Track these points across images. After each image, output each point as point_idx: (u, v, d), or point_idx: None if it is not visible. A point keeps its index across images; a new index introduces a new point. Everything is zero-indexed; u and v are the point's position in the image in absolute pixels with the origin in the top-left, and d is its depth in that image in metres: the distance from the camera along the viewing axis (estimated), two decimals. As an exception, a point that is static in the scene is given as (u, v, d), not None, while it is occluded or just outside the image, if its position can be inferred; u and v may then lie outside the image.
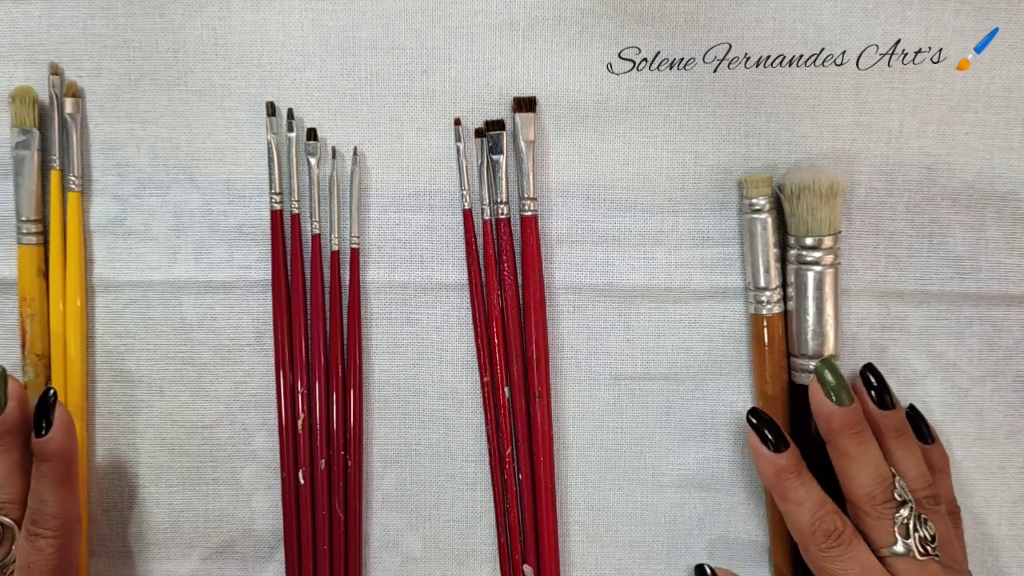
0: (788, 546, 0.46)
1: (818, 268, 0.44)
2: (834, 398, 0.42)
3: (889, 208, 0.47)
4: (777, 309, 0.46)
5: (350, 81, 0.47)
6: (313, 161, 0.46)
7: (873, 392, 0.44)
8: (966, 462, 0.48)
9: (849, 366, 0.47)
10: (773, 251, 0.45)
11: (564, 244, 0.47)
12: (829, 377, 0.43)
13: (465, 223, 0.47)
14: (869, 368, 0.45)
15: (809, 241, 0.44)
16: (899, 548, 0.40)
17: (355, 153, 0.46)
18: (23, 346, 0.46)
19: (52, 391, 0.42)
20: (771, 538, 0.47)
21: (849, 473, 0.42)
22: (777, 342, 0.46)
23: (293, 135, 0.46)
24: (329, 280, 0.47)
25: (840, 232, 0.46)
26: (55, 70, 0.46)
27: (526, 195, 0.46)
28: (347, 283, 0.47)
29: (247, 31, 0.47)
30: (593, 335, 0.47)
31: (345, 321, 0.47)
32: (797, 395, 0.45)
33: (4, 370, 0.42)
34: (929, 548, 0.40)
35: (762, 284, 0.46)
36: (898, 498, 0.41)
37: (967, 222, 0.47)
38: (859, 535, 0.41)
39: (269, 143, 0.46)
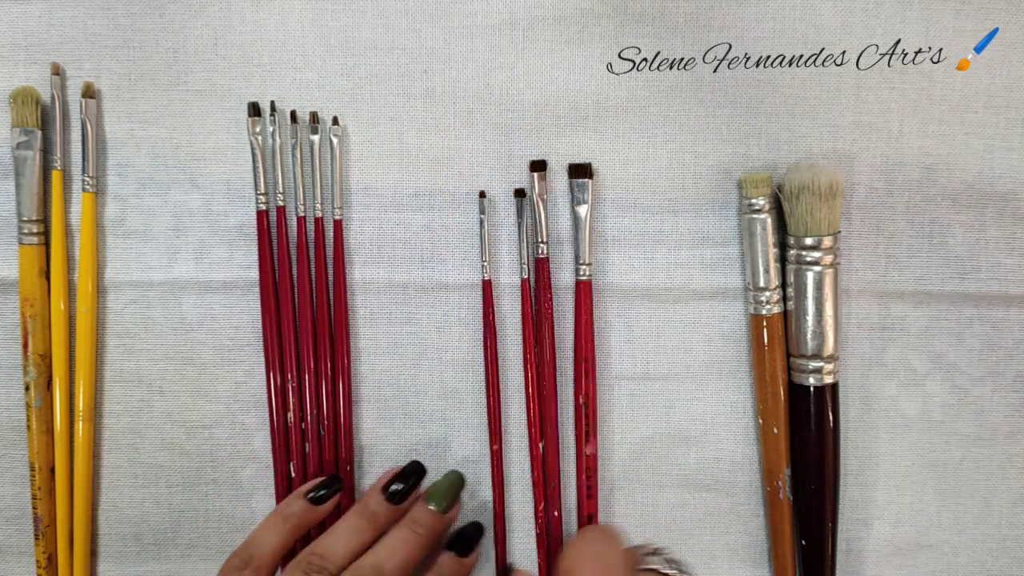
0: (788, 546, 0.46)
1: (817, 268, 0.44)
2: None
3: (889, 208, 0.47)
4: (777, 309, 0.46)
5: (350, 81, 0.47)
6: (299, 139, 0.46)
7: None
8: (966, 462, 0.47)
9: (849, 366, 0.47)
10: (773, 251, 0.45)
11: (564, 244, 0.47)
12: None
13: (484, 294, 0.47)
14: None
15: (808, 241, 0.44)
16: None
17: (335, 122, 0.46)
18: (24, 346, 0.46)
19: (481, 526, 0.46)
20: (771, 538, 0.47)
21: None
22: (777, 342, 0.46)
23: (274, 129, 0.46)
24: (315, 270, 0.47)
25: (839, 232, 0.46)
26: (56, 70, 0.46)
27: (582, 260, 0.46)
28: (332, 258, 0.47)
29: (247, 31, 0.47)
30: (593, 335, 0.47)
31: (331, 301, 0.47)
32: (797, 395, 0.46)
33: (463, 481, 0.45)
34: None
35: (762, 284, 0.46)
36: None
37: (967, 222, 0.47)
38: None
39: (252, 144, 0.46)
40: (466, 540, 0.44)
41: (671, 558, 0.42)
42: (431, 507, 0.43)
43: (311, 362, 0.46)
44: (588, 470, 0.46)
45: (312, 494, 0.44)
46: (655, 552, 0.42)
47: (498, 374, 0.47)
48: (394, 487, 0.44)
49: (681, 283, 0.47)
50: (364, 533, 0.42)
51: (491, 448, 0.47)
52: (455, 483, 0.45)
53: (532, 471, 0.46)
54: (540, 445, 0.46)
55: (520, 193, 0.46)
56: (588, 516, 0.46)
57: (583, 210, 0.46)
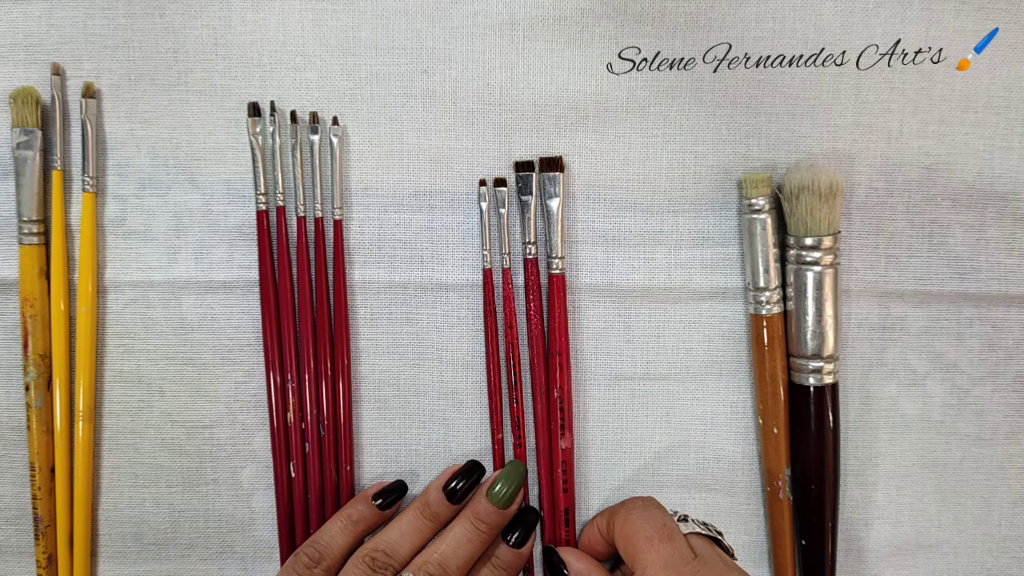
0: (788, 546, 0.46)
1: (817, 268, 0.44)
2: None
3: (889, 208, 0.47)
4: (777, 309, 0.46)
5: (350, 81, 0.47)
6: (299, 139, 0.46)
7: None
8: (966, 462, 0.47)
9: (849, 366, 0.47)
10: (773, 251, 0.45)
11: (564, 244, 0.47)
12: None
13: (485, 283, 0.47)
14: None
15: (808, 241, 0.44)
16: None
17: (335, 122, 0.46)
18: (25, 346, 0.46)
19: (540, 513, 0.46)
20: (771, 538, 0.47)
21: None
22: (777, 342, 0.46)
23: (274, 129, 0.46)
24: (315, 270, 0.47)
25: (839, 232, 0.46)
26: (56, 70, 0.46)
27: (554, 254, 0.46)
28: (332, 258, 0.47)
29: (247, 31, 0.47)
30: (593, 335, 0.47)
31: (331, 300, 0.47)
32: (797, 395, 0.46)
33: (526, 473, 0.45)
34: None
35: (762, 284, 0.46)
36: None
37: (967, 222, 0.47)
38: None
39: (252, 144, 0.46)
40: (523, 532, 0.44)
41: (700, 521, 0.43)
42: (493, 504, 0.43)
43: (311, 362, 0.46)
44: (564, 464, 0.46)
45: (380, 501, 0.45)
46: (684, 518, 0.43)
47: (499, 364, 0.47)
48: (453, 486, 0.44)
49: (681, 283, 0.47)
50: (425, 530, 0.44)
51: (493, 438, 0.47)
52: (517, 478, 0.44)
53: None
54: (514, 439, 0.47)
55: (498, 182, 0.46)
56: (565, 511, 0.46)
57: (555, 203, 0.46)
